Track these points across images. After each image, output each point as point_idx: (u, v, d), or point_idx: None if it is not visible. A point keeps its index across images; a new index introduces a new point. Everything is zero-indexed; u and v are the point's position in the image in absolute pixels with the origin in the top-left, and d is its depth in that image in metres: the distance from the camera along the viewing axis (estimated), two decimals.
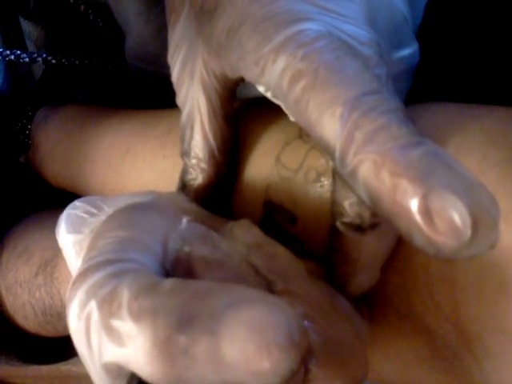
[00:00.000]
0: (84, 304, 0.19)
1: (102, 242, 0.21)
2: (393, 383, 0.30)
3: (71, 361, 0.43)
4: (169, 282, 0.18)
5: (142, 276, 0.19)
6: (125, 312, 0.18)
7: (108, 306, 0.18)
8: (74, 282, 0.20)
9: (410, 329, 0.27)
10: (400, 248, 0.25)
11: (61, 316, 0.36)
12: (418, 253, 0.26)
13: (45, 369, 0.42)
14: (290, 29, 0.22)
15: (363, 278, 0.25)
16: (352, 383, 0.22)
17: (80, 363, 0.20)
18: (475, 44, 0.40)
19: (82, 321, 0.19)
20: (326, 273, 0.26)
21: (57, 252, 0.35)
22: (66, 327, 0.20)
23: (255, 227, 0.25)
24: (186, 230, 0.23)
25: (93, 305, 0.18)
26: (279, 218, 0.29)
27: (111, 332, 0.18)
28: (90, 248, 0.22)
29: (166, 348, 0.17)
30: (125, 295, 0.18)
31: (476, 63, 0.40)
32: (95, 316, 0.18)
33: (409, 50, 0.32)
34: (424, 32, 0.35)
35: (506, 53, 0.38)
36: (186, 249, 0.22)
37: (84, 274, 0.19)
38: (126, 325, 0.17)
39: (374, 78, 0.21)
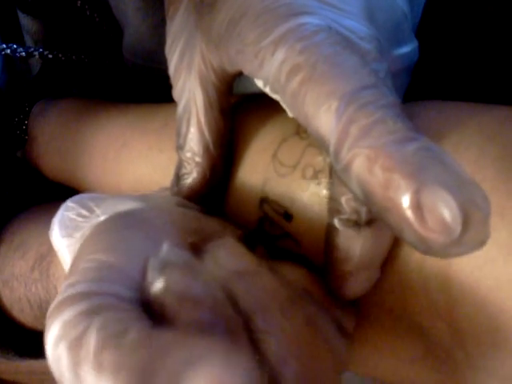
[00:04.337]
0: (56, 344, 0.19)
1: (81, 266, 0.21)
2: (386, 381, 0.30)
3: None
4: (133, 334, 0.18)
5: (112, 320, 0.19)
6: (90, 363, 0.18)
7: (76, 353, 0.18)
8: (52, 313, 0.20)
9: (403, 327, 0.27)
10: (395, 246, 0.25)
11: None
12: (413, 251, 0.26)
13: (37, 364, 0.42)
14: (290, 22, 0.22)
15: (361, 278, 0.25)
16: None
17: None
18: (474, 42, 0.40)
19: (54, 360, 0.19)
20: (324, 274, 0.26)
21: (52, 247, 0.35)
22: None
23: (240, 247, 0.25)
24: (166, 257, 0.22)
25: (62, 348, 0.18)
26: (275, 215, 0.29)
27: (78, 380, 0.18)
28: (72, 269, 0.22)
29: None
30: (92, 343, 0.18)
31: (475, 61, 0.40)
32: (64, 361, 0.18)
33: (408, 48, 0.32)
34: (423, 30, 0.35)
35: (504, 51, 0.39)
36: (161, 284, 0.21)
37: (60, 305, 0.20)
38: (91, 378, 0.17)
39: (371, 73, 0.21)
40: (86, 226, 0.26)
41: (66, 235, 0.26)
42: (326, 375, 0.23)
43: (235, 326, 0.21)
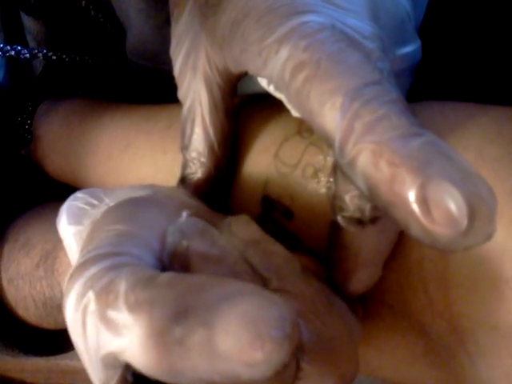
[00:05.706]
0: (81, 295, 0.19)
1: (100, 236, 0.21)
2: (388, 379, 0.31)
3: (68, 354, 0.43)
4: (165, 276, 0.19)
5: (140, 269, 0.19)
6: (121, 303, 0.18)
7: (105, 297, 0.18)
8: (72, 275, 0.20)
9: (404, 325, 0.27)
10: (395, 245, 0.25)
11: (61, 308, 0.36)
12: (413, 250, 0.26)
13: (42, 362, 0.43)
14: (294, 20, 0.22)
15: (364, 275, 0.25)
16: (343, 381, 0.22)
17: (77, 357, 0.21)
18: (477, 42, 0.40)
19: (78, 312, 0.19)
20: (327, 270, 0.26)
21: (57, 244, 0.35)
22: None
23: (253, 223, 0.25)
24: (184, 224, 0.23)
25: (90, 296, 0.19)
26: (276, 214, 0.29)
27: (108, 322, 0.18)
28: (88, 241, 0.22)
29: (162, 338, 0.17)
30: (122, 287, 0.18)
31: (477, 61, 0.40)
32: (92, 307, 0.18)
33: (411, 47, 0.32)
34: (426, 29, 0.35)
35: (507, 51, 0.39)
36: (184, 243, 0.22)
37: (82, 266, 0.20)
38: (122, 315, 0.18)
39: (375, 70, 0.21)
40: (96, 214, 0.26)
41: (73, 223, 0.26)
42: (341, 339, 0.23)
43: (254, 284, 0.22)
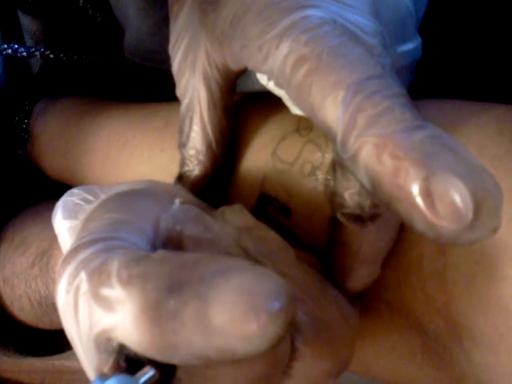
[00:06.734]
0: (73, 277, 0.19)
1: (93, 224, 0.21)
2: (385, 379, 0.30)
3: (65, 355, 0.43)
4: (159, 253, 0.19)
5: (132, 251, 0.19)
6: (114, 280, 0.18)
7: (97, 277, 0.18)
8: (64, 259, 0.20)
9: (401, 322, 0.27)
10: (394, 242, 0.25)
11: (56, 307, 0.36)
12: (411, 247, 0.26)
13: (38, 363, 0.42)
14: (294, 15, 0.22)
15: (363, 272, 0.25)
16: (338, 364, 0.23)
17: (73, 358, 0.20)
18: (477, 40, 0.40)
19: (70, 294, 0.19)
20: (326, 267, 0.26)
21: (53, 242, 0.35)
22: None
23: (247, 211, 0.25)
24: (178, 211, 0.23)
25: (82, 276, 0.18)
26: (274, 211, 0.29)
27: (100, 299, 0.18)
28: (82, 229, 0.22)
29: (155, 312, 0.17)
30: (114, 266, 0.18)
31: (477, 59, 0.40)
32: (84, 287, 0.18)
33: (412, 45, 0.32)
34: (426, 27, 0.35)
35: (507, 49, 0.39)
36: (178, 227, 0.22)
37: (74, 250, 0.20)
38: (115, 291, 0.18)
39: (377, 64, 0.20)
40: (91, 208, 0.26)
41: (68, 217, 0.26)
42: (336, 322, 0.23)
43: None
